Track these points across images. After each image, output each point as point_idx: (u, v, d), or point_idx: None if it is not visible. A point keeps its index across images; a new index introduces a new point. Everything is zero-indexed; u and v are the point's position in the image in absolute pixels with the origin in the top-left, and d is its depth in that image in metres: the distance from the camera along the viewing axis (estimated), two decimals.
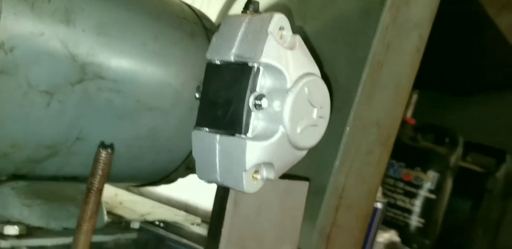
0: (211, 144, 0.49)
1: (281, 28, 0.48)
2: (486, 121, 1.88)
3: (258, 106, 0.47)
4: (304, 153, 0.53)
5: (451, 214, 1.60)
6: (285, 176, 0.55)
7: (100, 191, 0.47)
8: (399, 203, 1.56)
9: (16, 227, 0.56)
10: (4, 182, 0.62)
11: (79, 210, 0.63)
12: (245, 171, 0.47)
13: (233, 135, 0.48)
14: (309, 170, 0.72)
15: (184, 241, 0.59)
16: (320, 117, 0.52)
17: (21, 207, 0.60)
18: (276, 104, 0.48)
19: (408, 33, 0.81)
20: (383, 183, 1.54)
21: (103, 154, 0.46)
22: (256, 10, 0.51)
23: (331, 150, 0.73)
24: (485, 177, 1.67)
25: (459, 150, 1.60)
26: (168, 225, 0.63)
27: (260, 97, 0.47)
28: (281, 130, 0.48)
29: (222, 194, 0.53)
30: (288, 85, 0.48)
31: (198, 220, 0.72)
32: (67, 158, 0.61)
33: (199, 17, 0.78)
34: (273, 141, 0.48)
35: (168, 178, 0.76)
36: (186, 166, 0.75)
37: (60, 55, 0.56)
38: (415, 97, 1.87)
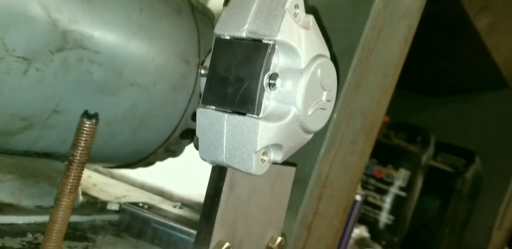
0: (218, 123, 0.46)
1: (296, 6, 0.46)
2: (457, 122, 1.90)
3: (271, 86, 0.45)
4: (310, 136, 0.51)
5: (420, 212, 1.61)
6: None
7: (82, 164, 0.43)
8: (370, 199, 1.55)
9: None
10: None
11: (53, 188, 0.59)
12: (256, 152, 0.45)
13: (243, 114, 0.45)
14: (293, 157, 0.69)
15: (171, 223, 0.56)
16: (328, 101, 0.50)
17: None
18: (289, 84, 0.46)
19: (398, 21, 0.79)
20: None
21: (87, 123, 0.43)
22: None
23: (317, 137, 0.71)
24: (454, 176, 1.69)
25: (431, 149, 1.61)
26: (152, 207, 0.60)
27: (274, 76, 0.45)
28: (293, 111, 0.46)
29: (218, 176, 0.50)
30: (302, 65, 0.46)
31: (178, 203, 0.69)
32: (43, 131, 0.57)
33: None
34: (285, 122, 0.46)
35: (146, 160, 0.73)
36: (166, 148, 0.72)
37: (40, 20, 0.52)
38: None
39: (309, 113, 0.48)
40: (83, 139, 0.42)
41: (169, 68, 0.67)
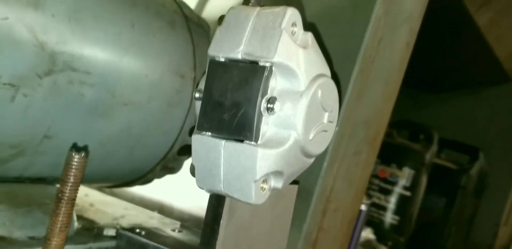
0: (215, 151, 0.44)
1: (293, 24, 0.44)
2: (460, 118, 1.88)
3: (270, 110, 0.42)
4: (312, 160, 0.49)
5: (425, 211, 1.60)
6: None
7: (72, 200, 0.41)
8: (375, 200, 1.53)
9: None
10: None
11: (46, 216, 0.57)
12: (255, 181, 0.43)
13: (241, 141, 0.43)
14: None
15: None
16: (330, 122, 0.48)
17: None
18: (288, 108, 0.43)
19: (399, 26, 0.77)
20: None
21: (76, 157, 0.41)
22: (259, 2, 0.45)
23: None
24: (459, 174, 1.67)
25: (434, 147, 1.59)
26: (149, 233, 0.58)
27: (272, 100, 0.43)
28: (293, 136, 0.44)
29: (216, 202, 0.48)
30: (302, 87, 0.44)
31: (177, 225, 0.66)
32: (34, 157, 0.54)
33: (179, 5, 0.72)
34: (285, 148, 0.44)
35: (144, 178, 0.71)
36: (164, 166, 0.70)
37: (26, 43, 0.49)
38: None
39: (310, 137, 0.45)
40: (72, 174, 0.40)
41: (164, 84, 0.65)
